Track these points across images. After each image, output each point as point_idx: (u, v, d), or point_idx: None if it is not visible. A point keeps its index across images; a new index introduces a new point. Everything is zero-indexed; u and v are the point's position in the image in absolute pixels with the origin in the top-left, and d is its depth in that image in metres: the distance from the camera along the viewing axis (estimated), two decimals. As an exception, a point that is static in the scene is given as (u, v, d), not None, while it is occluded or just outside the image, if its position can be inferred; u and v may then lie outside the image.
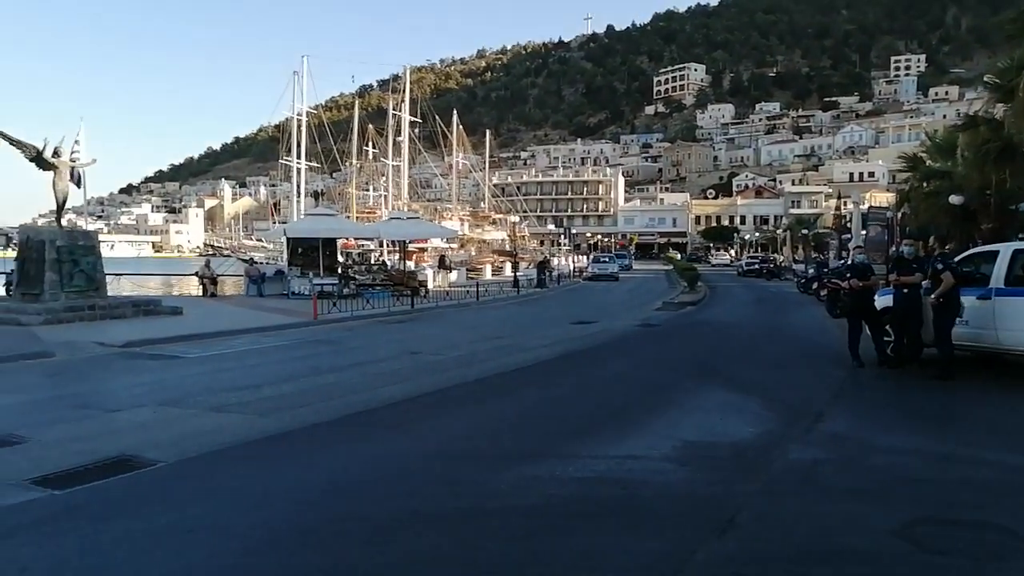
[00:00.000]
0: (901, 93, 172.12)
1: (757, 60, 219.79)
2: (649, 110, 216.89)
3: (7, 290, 24.21)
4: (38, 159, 19.78)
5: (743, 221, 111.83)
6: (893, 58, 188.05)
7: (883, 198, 58.43)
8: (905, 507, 5.64)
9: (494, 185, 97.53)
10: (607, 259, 58.64)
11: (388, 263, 40.96)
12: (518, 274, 39.70)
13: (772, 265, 56.34)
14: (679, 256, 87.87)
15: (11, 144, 19.58)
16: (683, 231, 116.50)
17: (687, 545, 4.88)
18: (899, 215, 31.35)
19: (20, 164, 20.78)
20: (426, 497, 5.93)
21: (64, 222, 21.61)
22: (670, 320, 22.55)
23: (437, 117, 68.41)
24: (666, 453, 7.23)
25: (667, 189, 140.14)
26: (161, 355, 14.11)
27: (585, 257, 69.39)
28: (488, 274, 49.15)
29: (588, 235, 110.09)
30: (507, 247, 61.23)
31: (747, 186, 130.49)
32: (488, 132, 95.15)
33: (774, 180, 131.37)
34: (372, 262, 41.76)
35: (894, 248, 26.41)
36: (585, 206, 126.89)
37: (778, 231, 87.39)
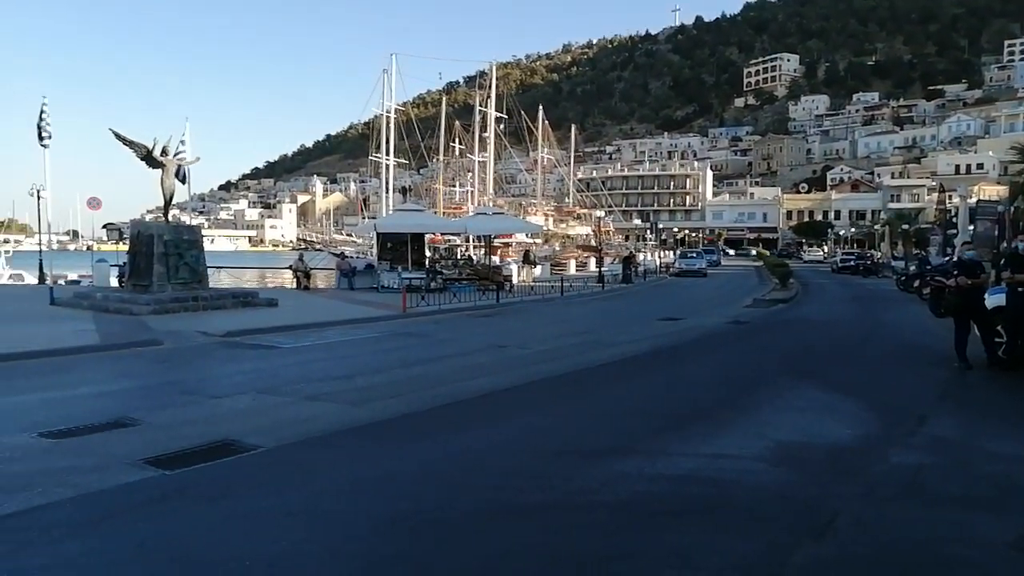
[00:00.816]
0: (1015, 79, 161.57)
1: (855, 48, 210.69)
2: (739, 102, 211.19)
3: (120, 281, 25.80)
4: (148, 158, 20.94)
5: (837, 216, 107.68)
6: (1007, 42, 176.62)
7: (993, 191, 55.19)
8: (1020, 517, 5.33)
9: (579, 180, 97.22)
10: (694, 254, 57.49)
11: (474, 258, 41.38)
12: (603, 269, 39.42)
13: (869, 261, 54.03)
14: (769, 252, 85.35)
15: (124, 144, 20.78)
16: (773, 226, 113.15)
17: (783, 548, 4.75)
18: (1011, 209, 29.50)
19: (131, 163, 22.01)
20: (515, 490, 5.97)
21: (170, 217, 22.79)
22: (761, 317, 21.95)
23: (522, 112, 68.57)
24: (758, 453, 7.05)
25: (757, 183, 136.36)
26: (259, 345, 14.69)
27: (672, 252, 68.28)
28: (572, 269, 48.96)
29: (675, 230, 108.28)
30: (592, 242, 60.75)
31: (842, 180, 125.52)
32: (573, 127, 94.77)
33: (871, 173, 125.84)
34: (458, 257, 42.29)
35: (1005, 244, 24.88)
36: (672, 201, 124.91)
37: (875, 226, 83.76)
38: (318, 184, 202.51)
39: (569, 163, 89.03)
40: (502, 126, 65.02)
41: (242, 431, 7.64)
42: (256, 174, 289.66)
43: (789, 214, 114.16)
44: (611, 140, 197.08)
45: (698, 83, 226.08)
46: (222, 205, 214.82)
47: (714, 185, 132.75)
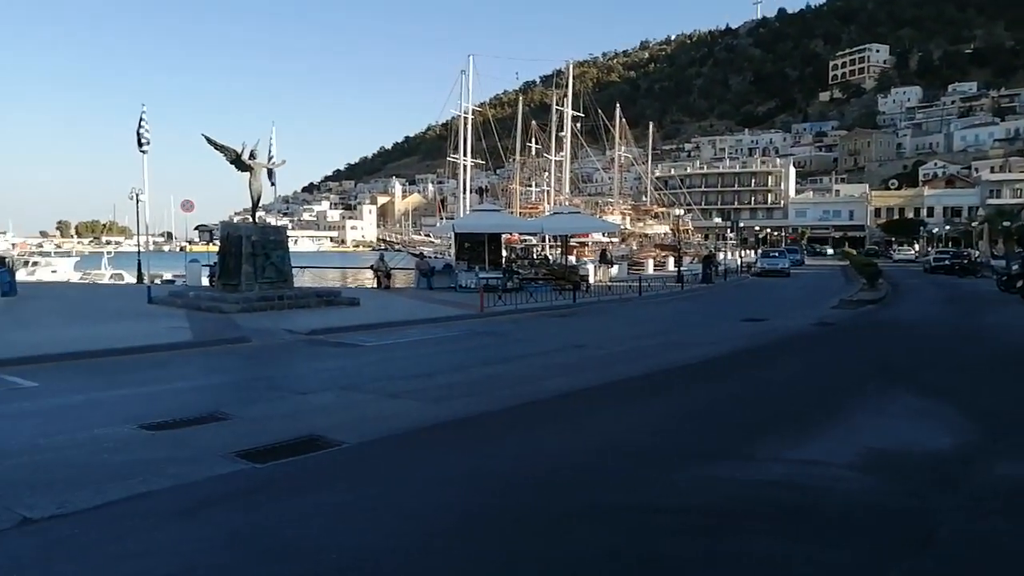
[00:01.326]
0: None
1: (951, 36, 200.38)
2: (823, 96, 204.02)
3: (210, 281, 26.87)
4: (237, 161, 21.74)
5: (930, 213, 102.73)
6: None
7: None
8: None
9: (657, 178, 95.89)
10: (777, 254, 55.90)
11: (550, 258, 41.34)
12: (682, 269, 38.76)
13: (966, 261, 51.30)
14: (856, 251, 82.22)
15: (215, 148, 21.64)
16: (860, 224, 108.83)
17: (879, 559, 4.54)
18: None
19: (222, 166, 22.90)
20: (599, 491, 5.92)
21: (257, 219, 23.60)
22: (848, 319, 21.14)
23: (599, 111, 68.11)
24: (850, 460, 6.77)
25: (843, 180, 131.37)
26: (342, 343, 15.05)
27: (753, 252, 66.55)
28: (650, 269, 48.29)
29: (756, 229, 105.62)
30: (670, 241, 59.85)
31: (936, 175, 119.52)
32: (651, 124, 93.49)
33: (968, 168, 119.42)
34: (535, 257, 42.33)
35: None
36: (753, 199, 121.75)
37: (973, 223, 79.57)
38: (397, 185, 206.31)
39: (647, 161, 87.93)
40: (579, 125, 64.77)
41: (327, 427, 7.82)
42: (337, 176, 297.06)
43: (877, 212, 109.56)
44: (689, 137, 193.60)
45: (781, 77, 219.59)
46: (305, 207, 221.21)
47: (797, 182, 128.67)
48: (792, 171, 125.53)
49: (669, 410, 9.22)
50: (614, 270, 41.12)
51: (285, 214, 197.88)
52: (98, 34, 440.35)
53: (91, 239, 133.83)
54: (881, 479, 6.28)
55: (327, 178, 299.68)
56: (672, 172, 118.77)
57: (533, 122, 72.23)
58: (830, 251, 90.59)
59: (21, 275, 29.26)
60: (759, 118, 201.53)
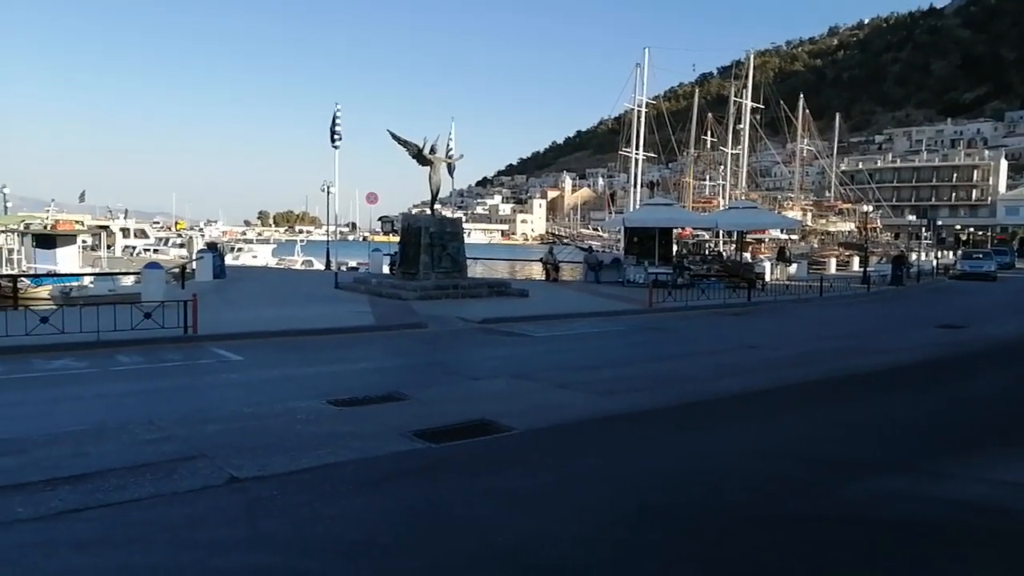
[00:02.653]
0: None
1: None
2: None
3: (391, 269, 28.45)
4: (419, 155, 22.84)
5: None
6: None
7: None
8: None
9: (842, 172, 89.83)
10: (981, 255, 50.62)
11: (724, 254, 40.00)
12: (869, 269, 36.14)
13: None
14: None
15: (399, 143, 22.86)
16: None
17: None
18: None
19: (403, 160, 24.14)
20: (768, 496, 5.68)
21: (435, 211, 24.65)
22: (1069, 330, 18.78)
23: (781, 102, 64.86)
24: (1069, 487, 6.03)
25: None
26: (512, 332, 15.41)
27: (952, 253, 60.73)
28: (832, 268, 45.40)
29: (956, 228, 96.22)
30: (855, 240, 56.02)
31: None
32: (837, 115, 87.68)
33: None
34: (707, 252, 41.13)
35: None
36: (954, 195, 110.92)
37: None
38: (567, 179, 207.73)
39: (831, 154, 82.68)
40: (758, 117, 62.06)
41: (498, 412, 8.05)
42: (509, 170, 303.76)
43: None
44: (881, 129, 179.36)
45: (994, 60, 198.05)
46: (478, 200, 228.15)
47: (1009, 177, 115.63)
48: (1004, 164, 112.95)
49: (850, 418, 8.65)
50: (792, 269, 39.06)
51: (459, 207, 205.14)
52: (292, 32, 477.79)
53: (286, 228, 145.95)
54: (1108, 511, 5.54)
55: (500, 172, 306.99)
56: (860, 166, 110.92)
57: (709, 115, 69.99)
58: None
59: (228, 260, 32.37)
60: (965, 106, 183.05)
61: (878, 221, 72.64)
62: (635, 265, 29.21)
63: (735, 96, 61.23)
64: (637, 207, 48.44)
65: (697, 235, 50.28)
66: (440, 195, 24.57)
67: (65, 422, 7.43)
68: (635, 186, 57.69)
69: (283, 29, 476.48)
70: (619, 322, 18.08)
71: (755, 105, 60.05)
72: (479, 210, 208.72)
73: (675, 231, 35.67)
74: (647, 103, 56.37)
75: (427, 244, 21.98)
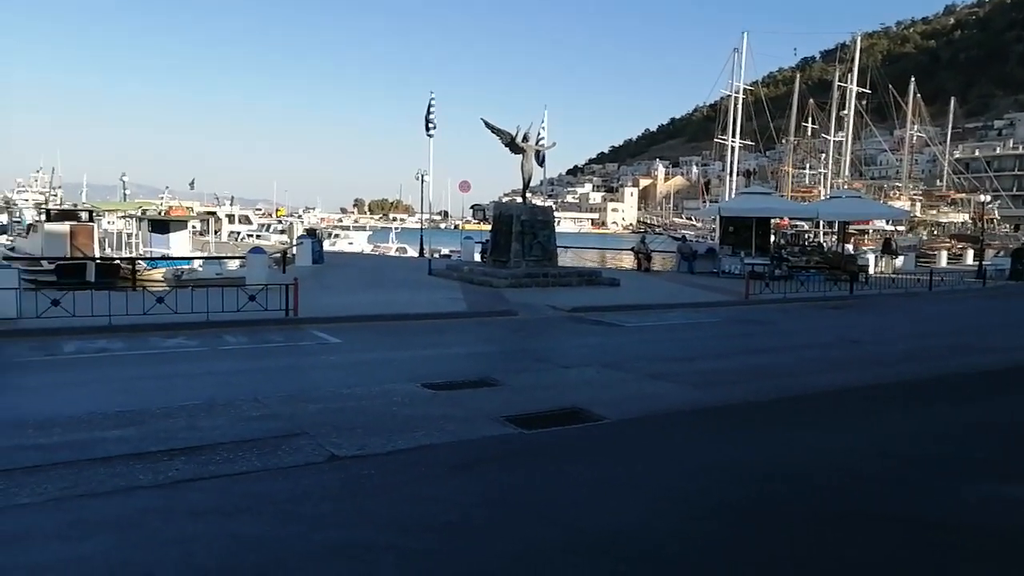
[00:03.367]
0: None
1: None
2: None
3: (482, 257, 28.74)
4: (511, 144, 22.93)
5: None
6: None
7: None
8: None
9: (956, 160, 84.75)
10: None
11: (824, 245, 38.52)
12: (985, 263, 34.01)
13: None
14: None
15: (492, 131, 23.01)
16: None
17: None
18: None
19: (496, 148, 24.32)
20: (865, 496, 5.46)
21: (526, 199, 24.72)
22: None
23: (889, 86, 61.71)
24: None
25: None
26: (602, 321, 15.32)
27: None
28: (943, 261, 43.01)
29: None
30: (969, 232, 52.82)
31: None
32: (952, 99, 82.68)
33: None
34: (806, 243, 39.70)
35: None
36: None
37: None
38: (660, 168, 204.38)
39: (944, 141, 78.11)
40: (864, 102, 59.26)
41: (589, 401, 8.03)
42: (601, 158, 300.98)
43: None
44: (1001, 113, 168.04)
45: None
46: (568, 189, 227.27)
47: None
48: None
49: (961, 418, 8.20)
50: (899, 261, 37.21)
51: (550, 196, 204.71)
52: (391, 23, 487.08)
53: (380, 215, 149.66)
54: None
55: (591, 161, 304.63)
56: (976, 153, 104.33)
57: (810, 100, 67.37)
58: None
59: (326, 246, 33.47)
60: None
61: (996, 212, 68.21)
62: (730, 255, 28.48)
63: (839, 81, 58.69)
64: (733, 196, 47.21)
65: (796, 225, 48.61)
66: (531, 183, 24.61)
67: (179, 397, 7.88)
68: (731, 174, 56.22)
69: (383, 21, 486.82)
70: (713, 313, 17.70)
71: (861, 90, 57.37)
72: (569, 199, 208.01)
73: (773, 221, 34.58)
74: (744, 89, 54.75)
75: (518, 232, 22.07)
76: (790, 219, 45.75)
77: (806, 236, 45.10)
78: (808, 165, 70.57)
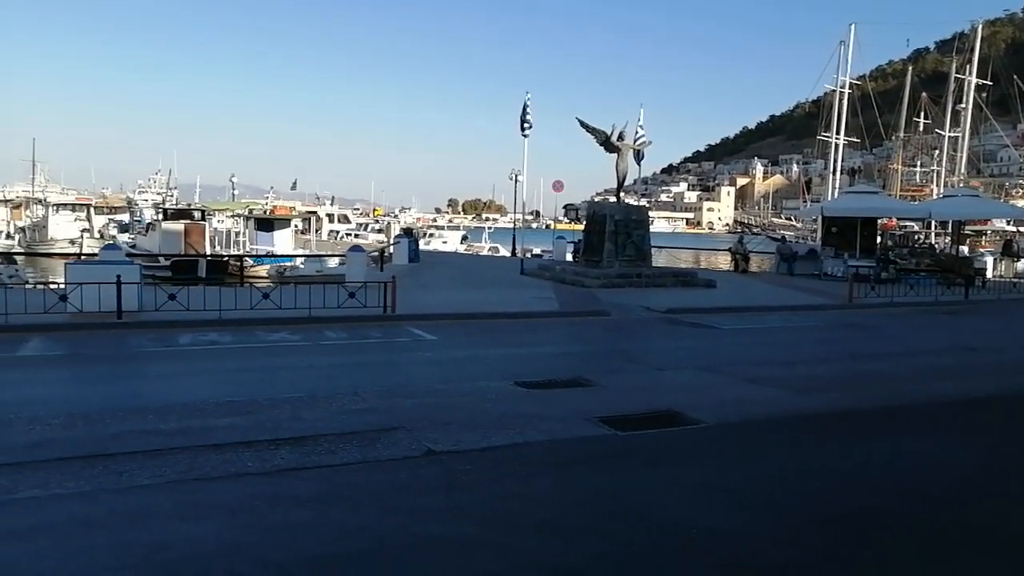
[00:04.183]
0: None
1: None
2: None
3: (574, 257, 28.68)
4: (606, 143, 22.79)
5: None
6: None
7: None
8: None
9: (1089, 156, 78.66)
10: None
11: (936, 247, 36.51)
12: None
13: None
14: None
15: (587, 130, 22.93)
16: None
17: None
18: None
19: (589, 147, 24.16)
20: (988, 515, 5.12)
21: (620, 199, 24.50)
22: None
23: (1014, 77, 57.77)
24: None
25: None
26: (698, 324, 15.01)
27: None
28: (1072, 265, 40.01)
29: None
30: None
31: None
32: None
33: None
34: (916, 245, 37.75)
35: None
36: None
37: None
38: (758, 166, 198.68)
39: (1075, 135, 72.61)
40: (984, 95, 55.73)
41: (684, 404, 7.88)
42: (697, 157, 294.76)
43: None
44: None
45: None
46: (662, 188, 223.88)
47: None
48: None
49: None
50: (1020, 264, 34.87)
51: (643, 195, 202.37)
52: (484, 23, 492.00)
53: (473, 215, 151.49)
54: None
55: (686, 159, 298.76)
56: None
57: (923, 94, 63.91)
58: None
59: (421, 245, 34.19)
60: None
61: None
62: (833, 257, 27.40)
63: (956, 72, 55.39)
64: (836, 195, 45.39)
65: (905, 226, 46.30)
66: (626, 182, 24.38)
67: (283, 389, 8.22)
68: (834, 173, 54.03)
69: (480, 23, 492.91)
70: (814, 317, 17.06)
71: (981, 81, 54.02)
72: (663, 198, 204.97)
73: (880, 221, 33.02)
74: (851, 83, 52.48)
75: (611, 232, 21.90)
76: (898, 219, 43.60)
77: (916, 237, 42.88)
78: (919, 162, 66.98)
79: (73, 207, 54.91)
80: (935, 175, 59.41)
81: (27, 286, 16.57)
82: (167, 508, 4.78)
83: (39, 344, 10.81)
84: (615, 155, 22.94)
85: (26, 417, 6.74)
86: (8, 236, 48.05)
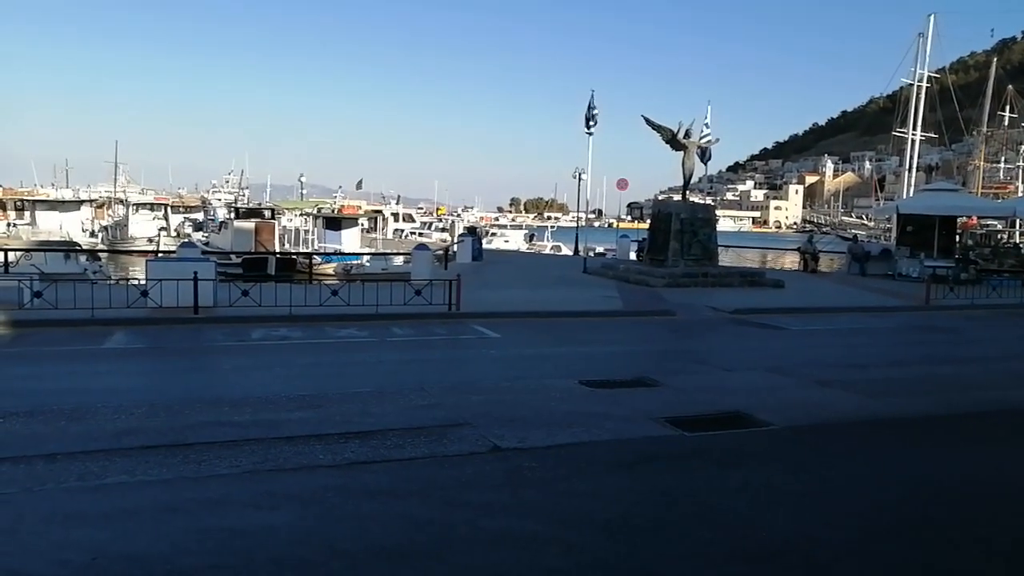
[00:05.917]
0: None
1: None
2: None
3: (638, 256, 28.42)
4: (672, 140, 22.50)
5: None
6: None
7: None
8: None
9: None
10: None
11: (1022, 247, 34.87)
12: None
13: None
14: None
15: (653, 128, 22.68)
16: None
17: None
18: None
19: (655, 145, 23.89)
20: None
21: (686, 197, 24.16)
22: None
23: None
24: None
25: None
26: (765, 324, 14.70)
27: None
28: None
29: None
30: None
31: None
32: None
33: None
34: (999, 245, 36.12)
35: None
36: None
37: None
38: (828, 163, 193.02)
39: None
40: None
41: (752, 406, 7.74)
42: (764, 155, 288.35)
43: None
44: None
45: None
46: (728, 186, 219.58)
47: None
48: None
49: None
50: (1113, 266, 33.01)
51: (709, 193, 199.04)
52: (548, 22, 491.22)
53: (535, 215, 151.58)
54: None
55: (753, 157, 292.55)
56: None
57: (1009, 87, 61.06)
58: None
59: (483, 243, 34.41)
60: None
61: None
62: (908, 257, 26.42)
63: (1043, 64, 52.74)
64: (912, 193, 43.79)
65: (987, 225, 44.37)
66: (691, 181, 24.03)
67: (352, 384, 8.41)
68: (910, 170, 52.04)
69: (544, 22, 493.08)
70: (888, 319, 16.52)
71: (1071, 73, 51.31)
72: (729, 196, 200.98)
73: (959, 220, 31.72)
74: (929, 76, 50.49)
75: (677, 231, 21.61)
76: (979, 218, 41.80)
77: (999, 237, 41.02)
78: (1003, 158, 64.08)
79: (152, 207, 57.21)
80: (1020, 171, 56.71)
81: (110, 282, 17.32)
82: (243, 497, 4.95)
83: (122, 337, 11.31)
84: (681, 153, 22.63)
85: (112, 406, 7.06)
86: (92, 234, 50.35)
